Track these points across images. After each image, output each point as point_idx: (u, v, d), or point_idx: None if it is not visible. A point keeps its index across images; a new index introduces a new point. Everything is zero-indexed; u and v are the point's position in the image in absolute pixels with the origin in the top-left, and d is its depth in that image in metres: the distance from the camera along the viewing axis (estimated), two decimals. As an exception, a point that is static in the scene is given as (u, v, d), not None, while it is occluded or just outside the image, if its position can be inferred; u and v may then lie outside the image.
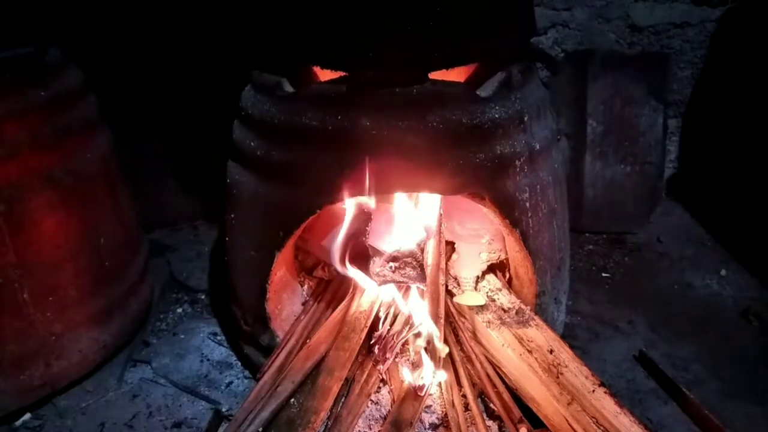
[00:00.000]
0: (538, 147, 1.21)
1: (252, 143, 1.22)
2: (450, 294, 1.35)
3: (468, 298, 1.34)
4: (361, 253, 1.27)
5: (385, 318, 1.28)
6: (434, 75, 1.12)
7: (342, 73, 1.14)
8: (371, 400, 1.23)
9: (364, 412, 1.20)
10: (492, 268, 1.43)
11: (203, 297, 1.73)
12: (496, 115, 1.13)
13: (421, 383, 1.20)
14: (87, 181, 1.34)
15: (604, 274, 1.84)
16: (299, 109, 1.14)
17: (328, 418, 1.16)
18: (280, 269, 1.30)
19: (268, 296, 1.27)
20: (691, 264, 1.88)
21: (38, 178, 1.23)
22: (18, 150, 1.19)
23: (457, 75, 1.21)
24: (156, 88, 1.94)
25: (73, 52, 1.39)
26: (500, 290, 1.36)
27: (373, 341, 1.26)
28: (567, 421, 1.10)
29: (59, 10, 1.70)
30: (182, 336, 1.57)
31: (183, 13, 1.86)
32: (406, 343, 1.26)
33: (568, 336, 1.52)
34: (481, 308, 1.32)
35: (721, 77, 2.13)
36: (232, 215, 1.32)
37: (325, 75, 1.20)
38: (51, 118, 1.25)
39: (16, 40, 1.26)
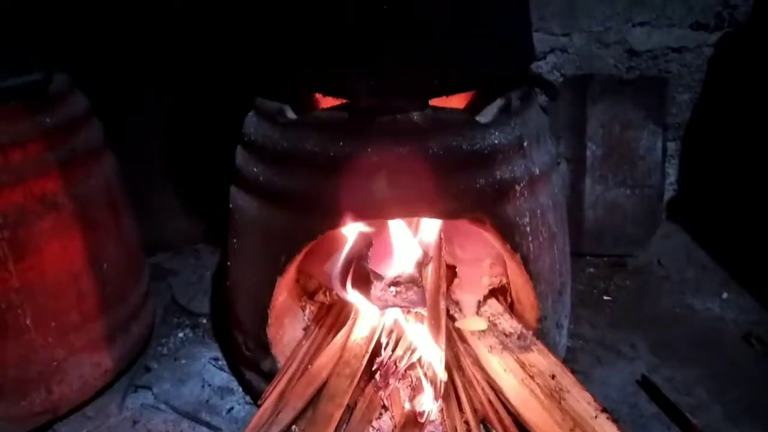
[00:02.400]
0: (537, 172, 1.22)
1: (254, 169, 1.23)
2: (452, 319, 1.35)
3: (470, 322, 1.34)
4: (362, 278, 1.27)
5: (387, 343, 1.28)
6: (434, 102, 1.13)
7: (343, 101, 1.16)
8: (372, 426, 1.22)
9: (365, 438, 1.20)
10: (494, 293, 1.43)
11: (205, 321, 1.72)
12: (496, 141, 1.14)
13: (422, 409, 1.19)
14: (90, 206, 1.34)
15: (605, 298, 1.84)
16: (301, 136, 1.15)
17: (330, 445, 1.16)
18: (282, 294, 1.30)
19: (269, 322, 1.27)
20: (692, 287, 1.88)
21: (42, 204, 1.24)
22: (23, 176, 1.20)
23: (457, 101, 1.23)
24: (160, 112, 1.95)
25: (77, 77, 1.41)
26: (502, 315, 1.36)
27: (375, 367, 1.25)
28: (570, 447, 1.09)
29: (66, 38, 1.73)
30: (183, 361, 1.57)
31: (188, 38, 1.88)
32: (409, 368, 1.26)
33: (570, 360, 1.52)
34: (483, 333, 1.32)
35: (720, 100, 2.15)
36: (234, 240, 1.32)
37: (327, 102, 1.22)
38: (56, 144, 1.26)
39: (23, 68, 1.29)
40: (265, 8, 1.24)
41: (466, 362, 1.28)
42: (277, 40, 1.21)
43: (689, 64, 2.13)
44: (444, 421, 1.22)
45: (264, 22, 1.25)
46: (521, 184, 1.19)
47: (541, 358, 1.24)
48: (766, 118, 1.93)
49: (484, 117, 1.16)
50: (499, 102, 1.20)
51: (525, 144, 1.20)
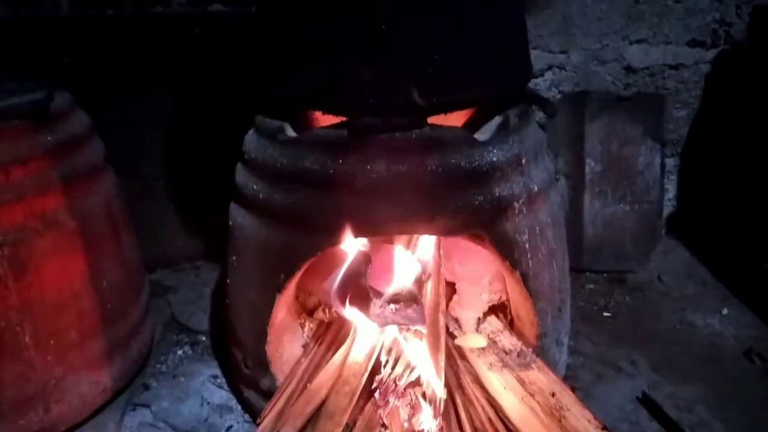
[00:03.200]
0: (536, 189, 1.23)
1: (254, 186, 1.24)
2: (451, 336, 1.35)
3: (469, 340, 1.33)
4: (361, 295, 1.27)
5: (386, 361, 1.28)
6: (433, 119, 1.14)
7: (343, 118, 1.17)
8: (372, 444, 1.22)
9: (365, 457, 1.19)
10: (493, 309, 1.43)
11: (204, 339, 1.72)
12: (494, 158, 1.15)
13: (421, 428, 1.18)
14: (91, 224, 1.34)
15: (605, 314, 1.83)
16: (301, 154, 1.16)
17: (329, 464, 1.15)
18: (281, 312, 1.30)
19: (268, 339, 1.27)
20: (692, 303, 1.88)
21: (42, 222, 1.24)
22: (23, 194, 1.21)
23: (455, 119, 1.23)
24: (160, 130, 1.96)
25: (79, 95, 1.42)
26: (502, 332, 1.36)
27: (374, 385, 1.25)
28: (570, 466, 1.08)
29: (68, 57, 1.75)
30: (182, 378, 1.56)
31: (189, 57, 1.90)
32: (408, 386, 1.25)
33: (570, 377, 1.51)
34: (483, 350, 1.32)
35: (717, 116, 2.16)
36: (234, 257, 1.33)
37: (326, 120, 1.22)
38: (57, 163, 1.27)
39: (26, 87, 1.30)
40: (266, 27, 1.26)
41: (466, 380, 1.28)
42: (278, 59, 1.22)
43: (686, 80, 2.15)
44: (444, 439, 1.21)
45: (264, 41, 1.26)
46: (520, 201, 1.19)
47: (541, 376, 1.23)
48: (763, 134, 1.94)
49: (483, 135, 1.17)
50: (497, 120, 1.21)
51: (523, 161, 1.20)
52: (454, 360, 1.31)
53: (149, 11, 1.84)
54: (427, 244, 1.34)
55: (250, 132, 1.31)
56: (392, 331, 1.29)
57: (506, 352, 1.30)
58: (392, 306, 1.24)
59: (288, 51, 1.19)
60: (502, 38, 1.22)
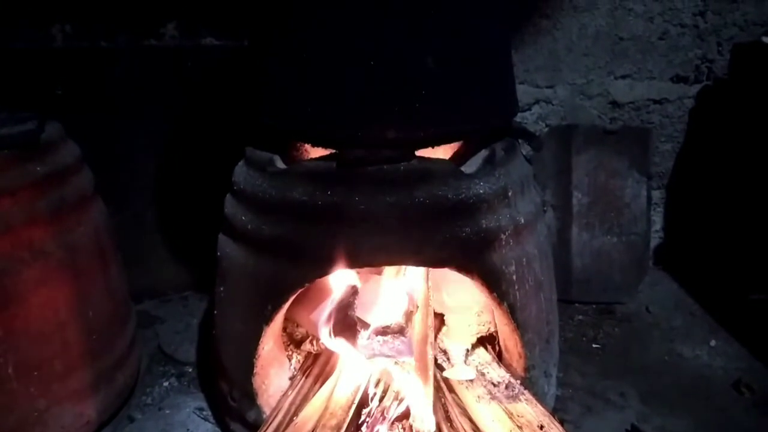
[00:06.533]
0: (522, 221, 1.24)
1: (243, 217, 1.24)
2: (439, 368, 1.35)
3: (458, 372, 1.33)
4: (349, 327, 1.27)
5: (374, 394, 1.27)
6: (420, 152, 1.16)
7: (332, 150, 1.18)
8: (359, 478, 1.20)
9: (351, 491, 1.17)
10: (482, 341, 1.43)
11: (190, 370, 1.70)
12: (481, 191, 1.16)
13: (409, 461, 1.17)
14: (79, 254, 1.34)
15: (594, 345, 1.83)
16: (290, 185, 1.17)
17: (315, 499, 1.13)
18: (268, 343, 1.29)
19: (255, 371, 1.26)
20: (680, 334, 1.88)
21: (29, 252, 1.23)
22: (11, 224, 1.20)
23: (442, 152, 1.25)
24: (150, 160, 1.97)
25: (71, 125, 1.43)
26: (490, 364, 1.36)
27: (362, 419, 1.24)
28: (559, 500, 1.07)
29: (61, 87, 1.77)
30: (168, 411, 1.54)
31: (179, 91, 1.92)
32: (396, 419, 1.24)
33: (559, 410, 1.50)
34: (471, 382, 1.31)
35: (701, 150, 2.20)
36: (222, 288, 1.32)
37: (316, 152, 1.24)
38: (46, 193, 1.27)
39: (17, 117, 1.31)
40: (257, 60, 1.28)
41: (454, 412, 1.27)
42: (268, 92, 1.24)
43: (671, 115, 2.19)
44: (432, 473, 1.20)
45: (255, 74, 1.28)
46: (506, 233, 1.20)
47: (529, 408, 1.23)
48: (747, 167, 1.97)
49: (469, 167, 1.19)
50: (483, 153, 1.23)
51: (509, 193, 1.22)
52: (442, 392, 1.31)
53: (142, 44, 1.87)
54: (415, 275, 1.34)
55: (240, 163, 1.32)
56: (380, 363, 1.29)
57: (494, 384, 1.30)
58: (380, 338, 1.24)
59: (278, 84, 1.21)
60: (489, 73, 1.25)
